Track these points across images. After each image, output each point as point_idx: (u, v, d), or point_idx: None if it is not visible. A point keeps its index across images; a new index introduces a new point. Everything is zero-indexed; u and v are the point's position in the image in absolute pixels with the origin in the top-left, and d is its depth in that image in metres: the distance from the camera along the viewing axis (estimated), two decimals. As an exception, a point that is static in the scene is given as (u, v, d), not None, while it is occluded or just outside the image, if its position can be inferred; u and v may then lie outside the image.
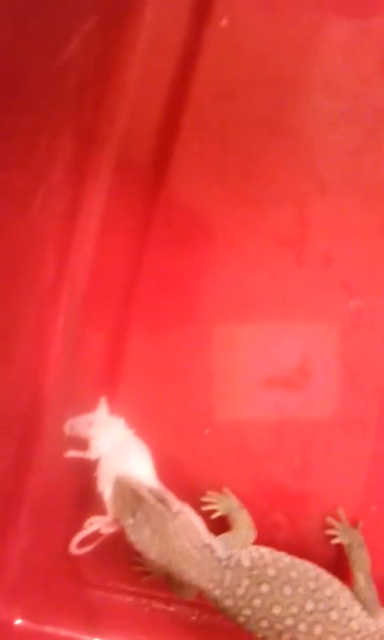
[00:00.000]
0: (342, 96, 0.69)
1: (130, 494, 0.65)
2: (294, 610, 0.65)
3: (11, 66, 0.56)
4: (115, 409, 0.74)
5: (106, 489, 0.67)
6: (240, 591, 0.65)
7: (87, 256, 0.72)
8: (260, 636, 0.66)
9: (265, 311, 0.73)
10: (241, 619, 0.66)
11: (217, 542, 0.67)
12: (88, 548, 0.70)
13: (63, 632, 0.78)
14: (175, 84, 0.70)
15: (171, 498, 0.65)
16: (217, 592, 0.65)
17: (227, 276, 0.72)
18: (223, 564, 0.66)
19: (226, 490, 0.74)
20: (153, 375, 0.75)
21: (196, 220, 0.72)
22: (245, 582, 0.65)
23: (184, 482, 0.74)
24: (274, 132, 0.70)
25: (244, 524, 0.71)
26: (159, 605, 0.78)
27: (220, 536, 0.68)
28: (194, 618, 0.78)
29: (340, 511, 0.74)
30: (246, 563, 0.66)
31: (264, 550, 0.68)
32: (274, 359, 0.74)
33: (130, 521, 0.64)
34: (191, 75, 0.69)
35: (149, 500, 0.64)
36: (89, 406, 0.71)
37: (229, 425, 0.75)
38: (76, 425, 0.70)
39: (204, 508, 0.72)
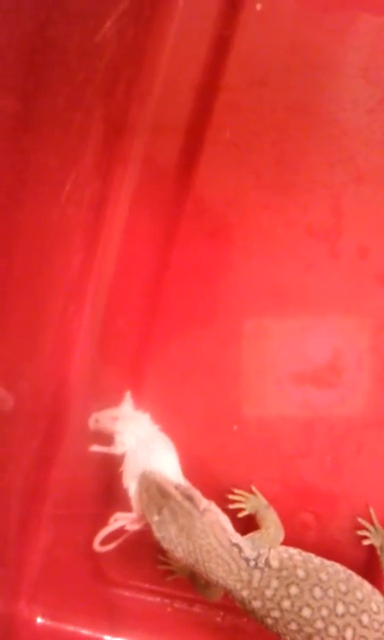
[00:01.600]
0: (381, 82, 0.67)
1: (156, 490, 0.63)
2: (324, 612, 0.63)
3: (51, 38, 0.55)
4: (140, 404, 0.73)
5: (131, 485, 0.65)
6: (269, 592, 0.63)
7: (114, 246, 0.71)
8: (288, 638, 0.64)
9: (296, 304, 0.71)
10: (269, 621, 0.64)
11: (245, 542, 0.65)
12: (112, 546, 0.68)
13: (85, 631, 0.77)
14: (207, 69, 0.68)
15: (197, 495, 0.64)
16: (245, 593, 0.63)
17: (258, 268, 0.70)
18: (251, 564, 0.64)
19: (254, 488, 0.72)
20: (179, 370, 0.73)
21: (227, 211, 0.70)
22: (274, 583, 0.63)
23: (211, 479, 0.72)
24: (309, 119, 0.68)
25: (272, 524, 0.69)
26: (182, 605, 0.76)
27: (248, 535, 0.67)
28: (218, 619, 0.76)
29: (372, 511, 0.71)
30: (275, 563, 0.64)
31: (293, 551, 0.66)
32: (304, 354, 0.72)
33: (156, 518, 0.63)
34: (224, 60, 0.67)
35: (176, 496, 0.63)
36: (114, 400, 0.70)
37: (258, 422, 0.73)
38: (101, 419, 0.68)
39: (232, 507, 0.70)
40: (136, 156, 0.69)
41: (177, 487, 0.63)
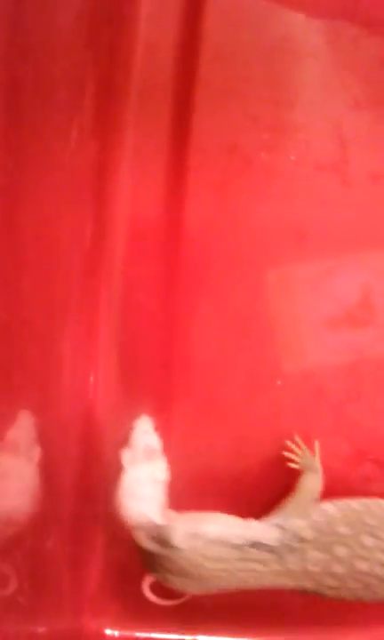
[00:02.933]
0: (358, 15, 0.67)
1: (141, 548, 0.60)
2: (381, 556, 0.59)
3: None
4: (174, 376, 0.69)
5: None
6: (313, 568, 0.59)
7: (124, 212, 0.68)
8: (350, 598, 0.60)
9: (317, 243, 0.69)
10: (330, 592, 0.60)
11: (264, 531, 0.60)
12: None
13: (158, 635, 0.71)
14: (185, 21, 0.67)
15: (171, 532, 0.58)
16: (290, 582, 0.59)
17: (272, 212, 0.68)
18: (280, 550, 0.59)
19: (317, 448, 0.67)
20: (210, 333, 0.70)
21: (230, 158, 0.68)
22: (316, 555, 0.59)
23: (263, 440, 0.68)
24: (296, 56, 0.67)
25: (309, 492, 0.64)
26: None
27: (273, 514, 0.62)
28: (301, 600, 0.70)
29: None
30: (308, 534, 0.59)
31: (327, 506, 0.61)
32: (335, 296, 0.70)
33: (158, 573, 0.59)
34: (200, 10, 0.67)
35: (152, 549, 0.58)
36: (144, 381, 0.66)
37: (301, 373, 0.69)
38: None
39: (286, 454, 0.66)
40: (129, 119, 0.68)
41: (153, 536, 0.59)
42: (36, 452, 0.64)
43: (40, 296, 0.65)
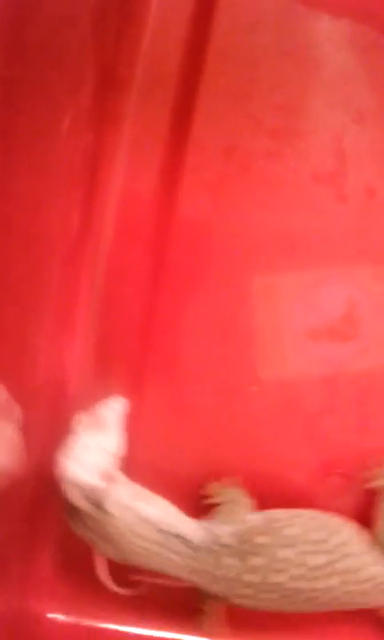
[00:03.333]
0: (373, 21, 0.66)
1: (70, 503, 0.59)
2: (301, 571, 0.59)
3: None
4: (149, 373, 0.69)
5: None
6: (226, 572, 0.59)
7: (113, 205, 0.68)
8: (268, 608, 0.60)
9: (307, 254, 0.69)
10: (245, 601, 0.60)
11: (191, 527, 0.60)
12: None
13: (100, 624, 0.71)
14: (195, 18, 0.66)
15: (108, 497, 0.58)
16: (202, 580, 0.60)
17: (265, 218, 0.68)
18: (201, 547, 0.59)
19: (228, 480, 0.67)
20: (191, 333, 0.69)
21: (228, 160, 0.67)
22: (231, 561, 0.59)
23: (233, 443, 0.68)
24: (304, 62, 0.67)
25: (231, 501, 0.64)
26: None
27: (207, 518, 0.63)
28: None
29: None
30: (230, 540, 0.60)
31: (253, 516, 0.62)
32: (319, 307, 0.69)
33: (80, 531, 0.60)
34: (212, 7, 0.66)
35: (84, 507, 0.58)
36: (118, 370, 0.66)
37: (277, 381, 0.69)
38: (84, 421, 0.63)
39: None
40: (129, 111, 0.67)
41: (88, 495, 0.58)
42: (17, 413, 0.64)
43: (21, 274, 0.65)
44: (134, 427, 0.64)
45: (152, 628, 0.71)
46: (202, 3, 0.66)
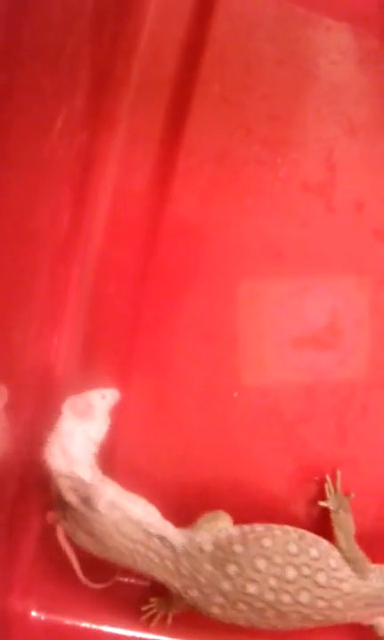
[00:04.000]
0: (370, 33, 0.66)
1: (57, 496, 0.60)
2: (273, 582, 0.60)
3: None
4: (133, 373, 0.69)
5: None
6: (202, 578, 0.60)
7: (104, 206, 0.68)
8: (245, 623, 0.61)
9: (293, 263, 0.69)
10: (216, 610, 0.60)
11: (172, 530, 0.62)
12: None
13: (81, 623, 0.72)
14: (193, 22, 0.66)
15: (97, 494, 0.60)
16: (177, 583, 0.61)
17: (253, 226, 0.68)
18: (179, 551, 0.61)
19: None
20: (175, 336, 0.70)
21: (219, 167, 0.68)
22: (207, 567, 0.60)
23: (211, 448, 0.69)
24: (298, 72, 0.67)
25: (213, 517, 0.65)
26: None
27: (189, 527, 0.63)
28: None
29: (338, 475, 0.68)
30: (208, 547, 0.61)
31: (233, 529, 0.63)
32: (303, 316, 0.70)
33: (66, 525, 0.61)
34: (210, 13, 0.66)
35: (72, 501, 0.60)
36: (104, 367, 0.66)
37: (258, 388, 0.70)
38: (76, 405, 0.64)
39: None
40: (123, 112, 0.67)
41: (76, 489, 0.60)
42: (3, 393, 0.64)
43: (12, 270, 0.64)
44: (115, 426, 0.65)
45: (137, 628, 0.71)
46: (200, 6, 0.66)
